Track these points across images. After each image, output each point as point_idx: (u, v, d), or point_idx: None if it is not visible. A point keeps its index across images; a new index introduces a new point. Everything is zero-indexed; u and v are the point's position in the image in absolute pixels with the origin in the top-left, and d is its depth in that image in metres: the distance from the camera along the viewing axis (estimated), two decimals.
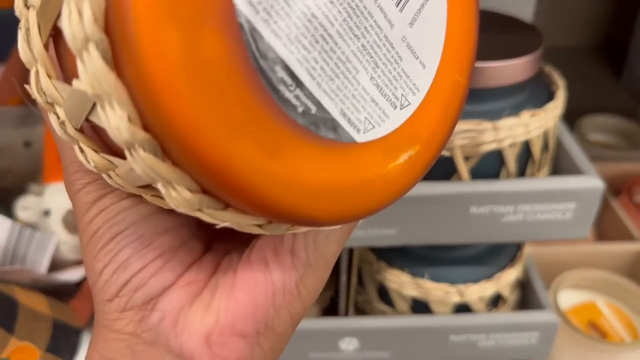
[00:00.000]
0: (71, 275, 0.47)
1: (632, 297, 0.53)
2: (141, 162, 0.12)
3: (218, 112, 0.12)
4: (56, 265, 0.50)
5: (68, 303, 0.45)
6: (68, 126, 0.14)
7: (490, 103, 0.33)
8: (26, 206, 0.49)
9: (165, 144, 0.12)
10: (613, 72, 1.11)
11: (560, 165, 0.37)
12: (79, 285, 0.47)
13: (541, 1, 1.10)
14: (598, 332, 0.50)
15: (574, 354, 0.48)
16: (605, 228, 0.62)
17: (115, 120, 0.12)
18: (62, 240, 0.47)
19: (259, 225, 0.15)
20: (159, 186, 0.13)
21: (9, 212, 0.50)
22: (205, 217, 0.14)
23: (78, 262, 0.50)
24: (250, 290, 0.16)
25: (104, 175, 0.15)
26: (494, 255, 0.40)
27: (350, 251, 0.37)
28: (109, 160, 0.14)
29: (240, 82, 0.12)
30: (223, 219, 0.14)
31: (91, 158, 0.14)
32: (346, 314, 0.41)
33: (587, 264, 0.55)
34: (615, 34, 1.16)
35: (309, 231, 0.16)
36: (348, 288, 0.39)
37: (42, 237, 0.47)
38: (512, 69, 0.32)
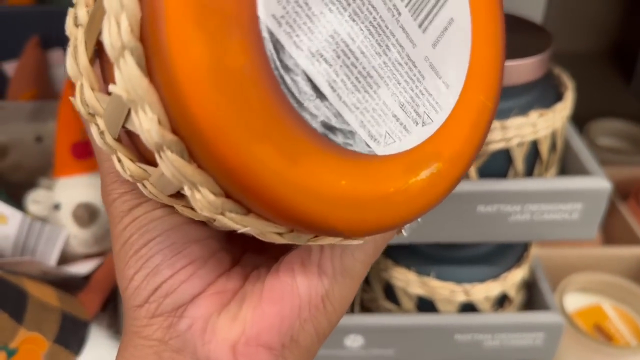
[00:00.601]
0: (80, 268, 0.47)
1: (638, 301, 0.53)
2: (169, 163, 0.13)
3: (241, 118, 0.12)
4: (65, 258, 0.50)
5: (76, 296, 0.45)
6: (107, 136, 0.15)
7: (500, 102, 0.33)
8: (37, 200, 0.50)
9: (192, 147, 0.13)
10: (623, 77, 1.11)
11: (568, 166, 0.37)
12: (88, 278, 0.48)
13: (552, 5, 1.10)
14: (604, 335, 0.50)
15: (579, 357, 0.47)
16: (613, 232, 0.62)
17: (147, 123, 0.12)
18: (71, 233, 0.48)
19: (280, 234, 0.15)
20: (185, 189, 0.14)
21: (19, 206, 0.51)
22: (227, 222, 0.14)
23: (87, 256, 0.50)
24: (276, 302, 0.16)
25: (139, 185, 0.16)
26: (500, 255, 0.40)
27: None
28: (143, 169, 0.15)
29: (263, 90, 0.13)
30: (244, 224, 0.14)
31: (127, 167, 0.15)
32: (352, 311, 0.41)
33: (594, 267, 0.55)
34: (626, 40, 1.16)
35: (336, 246, 0.17)
36: None
37: (52, 230, 0.47)
38: (521, 69, 0.33)
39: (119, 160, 0.15)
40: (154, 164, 0.14)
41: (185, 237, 0.17)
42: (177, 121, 0.12)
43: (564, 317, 0.49)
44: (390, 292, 0.41)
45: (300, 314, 0.16)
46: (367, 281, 0.43)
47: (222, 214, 0.14)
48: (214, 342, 0.16)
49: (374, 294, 0.42)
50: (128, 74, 0.12)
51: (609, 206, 0.64)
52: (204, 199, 0.13)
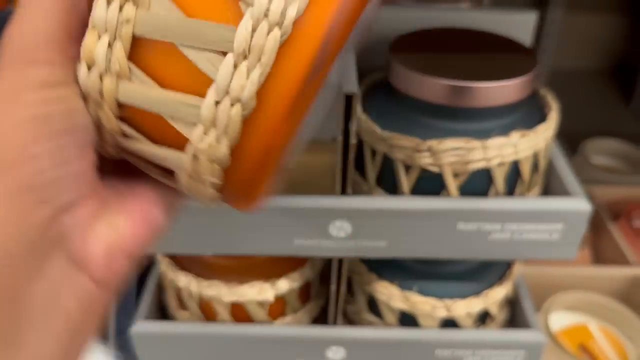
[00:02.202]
0: None
1: (625, 322, 0.53)
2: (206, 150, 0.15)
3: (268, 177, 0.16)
4: None
5: None
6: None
7: (481, 122, 0.34)
8: None
9: (232, 170, 0.16)
10: (623, 96, 1.11)
11: (551, 187, 0.38)
12: None
13: (553, 23, 1.10)
14: (589, 355, 0.50)
15: None
16: (602, 252, 0.62)
17: (220, 147, 0.15)
18: None
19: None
20: (186, 166, 0.16)
21: None
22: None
23: None
24: (145, 216, 0.18)
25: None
26: (482, 272, 0.41)
27: (340, 261, 0.38)
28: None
29: None
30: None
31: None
32: (335, 323, 0.42)
33: (582, 287, 0.55)
34: (627, 59, 1.16)
35: None
36: (337, 297, 0.40)
37: None
38: (503, 90, 0.33)
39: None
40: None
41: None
42: (238, 153, 0.16)
43: (548, 335, 0.50)
44: (373, 306, 0.42)
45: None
46: (351, 293, 0.43)
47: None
48: (91, 243, 0.17)
49: (357, 307, 0.43)
50: (228, 115, 0.15)
51: (599, 226, 0.64)
52: (205, 189, 0.17)
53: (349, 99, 0.30)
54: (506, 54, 0.36)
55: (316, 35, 0.14)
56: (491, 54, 0.36)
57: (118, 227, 0.18)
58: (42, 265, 0.16)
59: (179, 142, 0.16)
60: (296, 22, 0.14)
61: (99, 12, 0.15)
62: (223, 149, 0.15)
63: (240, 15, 0.14)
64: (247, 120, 0.15)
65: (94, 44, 0.15)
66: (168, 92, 0.15)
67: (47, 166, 0.16)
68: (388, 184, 0.36)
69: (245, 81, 0.14)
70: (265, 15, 0.14)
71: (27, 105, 0.16)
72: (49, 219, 0.16)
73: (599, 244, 0.63)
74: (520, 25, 0.43)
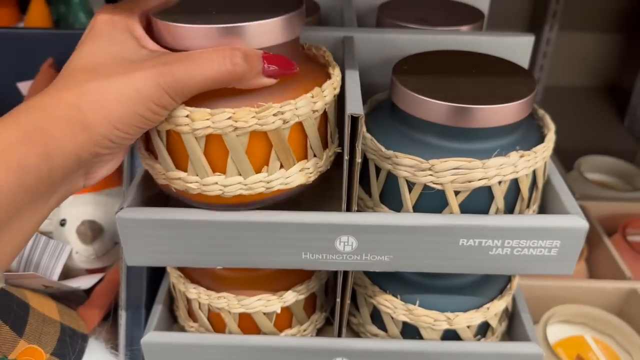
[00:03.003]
0: (81, 282, 0.49)
1: (621, 335, 0.54)
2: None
3: None
4: (68, 273, 0.52)
5: (76, 310, 0.47)
6: None
7: (482, 143, 0.36)
8: None
9: None
10: (617, 113, 1.14)
11: (549, 204, 0.39)
12: (88, 292, 0.50)
13: (548, 42, 1.13)
14: None
15: None
16: (598, 266, 0.64)
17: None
18: (75, 249, 0.50)
19: None
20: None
21: None
22: None
23: (89, 271, 0.52)
24: None
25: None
26: (483, 286, 0.42)
27: (345, 274, 0.39)
28: None
29: None
30: None
31: None
32: (339, 334, 0.43)
33: (578, 300, 0.57)
34: (620, 77, 1.19)
35: None
36: (342, 309, 0.41)
37: (56, 245, 0.49)
38: (504, 112, 0.35)
39: None
40: None
41: None
42: None
43: (547, 347, 0.51)
44: (377, 318, 0.43)
45: None
46: (355, 306, 0.45)
47: None
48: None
49: (361, 319, 0.44)
50: None
51: (594, 240, 0.66)
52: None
53: (354, 120, 0.32)
54: (506, 76, 0.38)
55: None
56: (491, 76, 0.38)
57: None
58: None
59: None
60: None
61: None
62: None
63: None
64: None
65: None
66: None
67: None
68: (392, 200, 0.38)
69: None
70: None
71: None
72: None
73: (594, 257, 0.65)
74: (518, 48, 0.45)
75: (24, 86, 0.65)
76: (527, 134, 0.38)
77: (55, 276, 0.50)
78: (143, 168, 0.39)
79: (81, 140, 0.28)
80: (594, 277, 0.64)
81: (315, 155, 0.36)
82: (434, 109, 0.35)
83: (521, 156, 0.35)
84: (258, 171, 0.33)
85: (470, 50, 0.42)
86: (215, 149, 0.32)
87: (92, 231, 0.48)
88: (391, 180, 0.37)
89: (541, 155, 0.36)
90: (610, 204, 0.69)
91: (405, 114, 0.37)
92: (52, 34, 0.64)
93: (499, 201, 0.36)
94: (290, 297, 0.41)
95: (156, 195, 0.39)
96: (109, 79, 0.29)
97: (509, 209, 0.37)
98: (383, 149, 0.36)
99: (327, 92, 0.34)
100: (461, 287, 0.42)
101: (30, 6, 0.79)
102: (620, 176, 0.81)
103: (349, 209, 0.36)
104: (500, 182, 0.35)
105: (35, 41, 0.64)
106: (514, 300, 0.45)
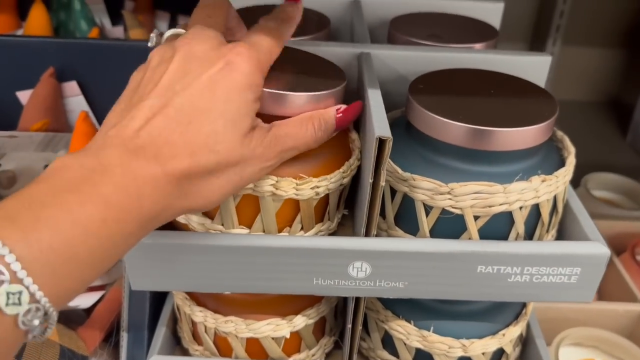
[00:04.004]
0: (82, 301, 0.48)
1: (632, 358, 0.53)
2: None
3: None
4: None
5: (76, 330, 0.45)
6: None
7: (503, 166, 0.35)
8: None
9: None
10: (619, 129, 1.13)
11: (568, 229, 0.38)
12: (89, 311, 0.48)
13: (550, 57, 1.12)
14: None
15: None
16: (607, 286, 0.63)
17: None
18: None
19: None
20: None
21: None
22: None
23: (89, 288, 0.50)
24: None
25: None
26: (499, 312, 0.41)
27: (357, 300, 0.38)
28: None
29: None
30: None
31: None
32: (350, 359, 0.41)
33: (589, 322, 0.56)
34: (622, 92, 1.19)
35: None
36: (352, 335, 0.40)
37: None
38: (526, 135, 0.34)
39: None
40: None
41: None
42: None
43: None
44: (388, 343, 0.42)
45: None
46: (365, 330, 0.43)
47: None
48: None
49: (372, 344, 0.43)
50: None
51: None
52: None
53: (381, 143, 0.31)
54: (525, 97, 0.37)
55: None
56: (511, 96, 0.37)
57: None
58: None
59: None
60: None
61: None
62: None
63: None
64: None
65: None
66: None
67: None
68: (407, 223, 0.37)
69: None
70: None
71: None
72: None
73: (603, 277, 0.64)
74: (534, 67, 0.44)
75: (23, 95, 0.64)
76: (547, 156, 0.37)
77: None
78: None
79: (167, 214, 0.27)
80: (603, 297, 0.63)
81: (329, 219, 0.37)
82: (453, 130, 0.34)
83: (543, 181, 0.34)
84: (280, 230, 0.35)
85: (486, 69, 0.41)
86: (248, 206, 0.34)
87: None
88: (407, 203, 0.36)
89: (562, 179, 0.35)
90: (618, 223, 0.68)
91: (422, 135, 0.36)
92: (52, 43, 0.63)
93: (519, 227, 0.35)
94: (300, 321, 0.39)
95: None
96: (221, 175, 0.28)
97: (529, 234, 0.36)
98: (400, 170, 0.35)
99: (354, 166, 0.36)
100: (476, 313, 0.40)
101: (30, 13, 0.78)
102: (626, 194, 0.80)
103: (367, 234, 0.35)
104: (521, 208, 0.34)
105: (35, 50, 0.62)
106: (528, 325, 0.44)
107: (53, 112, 0.62)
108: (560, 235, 0.39)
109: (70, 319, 0.47)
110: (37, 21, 0.79)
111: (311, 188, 0.34)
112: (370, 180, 0.32)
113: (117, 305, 0.47)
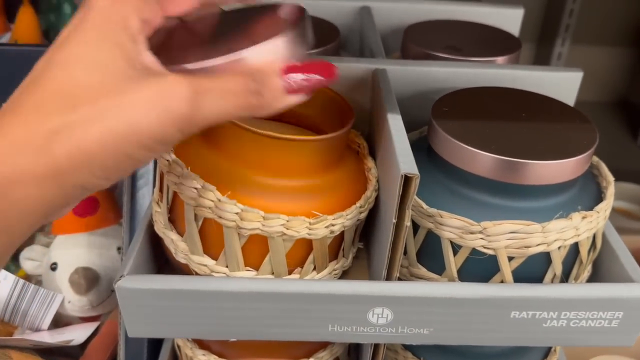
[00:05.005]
0: (75, 334, 0.44)
1: None
2: None
3: None
4: (59, 320, 0.47)
5: None
6: None
7: (539, 200, 0.31)
8: (31, 257, 0.47)
9: None
10: (630, 130, 1.10)
11: (605, 265, 0.35)
12: (83, 345, 0.45)
13: (559, 57, 1.09)
14: None
15: None
16: None
17: None
18: (67, 299, 0.45)
19: None
20: None
21: (15, 262, 0.48)
22: None
23: (83, 319, 0.47)
24: None
25: None
26: (527, 351, 0.38)
27: (376, 347, 0.35)
28: None
29: None
30: None
31: None
32: None
33: (614, 350, 0.53)
34: (633, 92, 1.15)
35: None
36: None
37: (46, 295, 0.44)
38: (564, 168, 0.30)
39: None
40: None
41: None
42: None
43: None
44: None
45: None
46: None
47: None
48: None
49: None
50: None
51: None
52: None
53: (407, 180, 0.27)
54: (562, 122, 0.34)
55: None
56: (545, 121, 0.33)
57: None
58: None
59: None
60: None
61: None
62: None
63: None
64: None
65: None
66: None
67: None
68: (432, 261, 0.33)
69: None
70: None
71: None
72: None
73: None
74: (565, 84, 0.40)
75: None
76: (585, 187, 0.33)
77: (45, 325, 0.45)
78: (143, 224, 0.34)
79: (49, 195, 0.21)
80: None
81: (344, 256, 0.34)
82: (483, 162, 0.31)
83: (584, 217, 0.31)
84: (291, 272, 0.32)
85: (513, 87, 0.38)
86: (255, 247, 0.30)
87: (87, 280, 0.43)
88: (432, 239, 0.33)
89: (603, 214, 0.32)
90: (638, 238, 0.65)
91: (448, 164, 0.32)
92: (41, 52, 0.59)
93: (557, 267, 0.32)
94: None
95: (159, 253, 0.34)
96: (92, 107, 0.21)
97: (565, 274, 0.33)
98: (424, 205, 0.32)
99: (371, 199, 0.33)
100: (503, 353, 0.37)
101: (18, 15, 0.74)
102: None
103: (389, 278, 0.31)
104: (559, 247, 0.31)
105: (22, 58, 0.59)
106: None
107: None
108: (597, 272, 0.36)
109: (63, 353, 0.44)
110: (26, 24, 0.75)
111: (326, 227, 0.30)
112: (394, 221, 0.29)
113: (113, 340, 0.44)
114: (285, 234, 0.30)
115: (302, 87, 0.24)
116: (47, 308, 0.45)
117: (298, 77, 0.24)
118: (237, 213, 0.29)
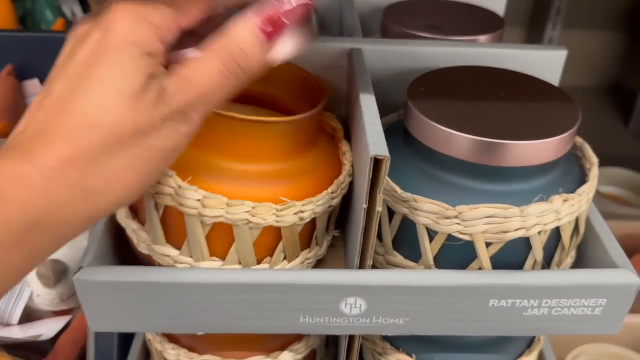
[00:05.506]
0: (45, 329, 0.43)
1: None
2: None
3: None
4: (30, 314, 0.46)
5: None
6: None
7: (518, 183, 0.30)
8: None
9: None
10: (621, 116, 1.09)
11: (589, 251, 0.34)
12: (53, 340, 0.43)
13: (550, 41, 1.07)
14: None
15: None
16: None
17: None
18: (36, 292, 0.43)
19: None
20: None
21: None
22: None
23: (54, 312, 0.46)
24: None
25: None
26: (509, 341, 0.36)
27: (351, 337, 0.33)
28: None
29: None
30: None
31: None
32: None
33: (605, 338, 0.52)
34: (625, 77, 1.14)
35: None
36: None
37: (13, 288, 0.43)
38: (544, 148, 0.29)
39: None
40: None
41: None
42: None
43: None
44: None
45: None
46: None
47: None
48: None
49: None
50: None
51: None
52: None
53: (377, 162, 0.26)
54: (542, 101, 0.32)
55: None
56: (525, 100, 0.32)
57: None
58: None
59: None
60: None
61: None
62: None
63: None
64: None
65: None
66: None
67: None
68: (407, 248, 0.32)
69: None
70: None
71: None
72: None
73: None
74: (548, 63, 0.39)
75: None
76: (566, 169, 0.32)
77: (15, 320, 0.44)
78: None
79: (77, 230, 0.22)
80: None
81: (317, 244, 0.33)
82: (460, 143, 0.29)
83: (565, 200, 0.29)
84: (260, 261, 0.30)
85: (495, 66, 0.36)
86: (220, 236, 0.29)
87: (55, 272, 0.42)
88: (407, 225, 0.31)
89: (586, 197, 0.31)
90: (629, 224, 0.64)
91: (424, 147, 0.31)
92: (10, 37, 0.57)
93: (537, 253, 0.30)
94: (287, 358, 0.35)
95: (123, 243, 0.33)
96: (119, 152, 0.21)
97: (547, 260, 0.32)
98: (399, 190, 0.30)
99: (345, 184, 0.31)
100: (485, 343, 0.36)
101: None
102: (633, 189, 0.76)
103: (362, 266, 0.30)
104: (540, 232, 0.29)
105: None
106: (541, 352, 0.40)
107: (13, 114, 0.56)
108: (580, 258, 0.34)
109: (32, 349, 0.43)
110: (0, 10, 0.72)
111: (294, 213, 0.29)
112: (365, 206, 0.27)
113: (83, 335, 0.42)
114: (250, 221, 0.28)
115: (278, 34, 0.24)
116: (16, 302, 0.43)
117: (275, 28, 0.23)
118: (198, 200, 0.27)
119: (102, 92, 0.21)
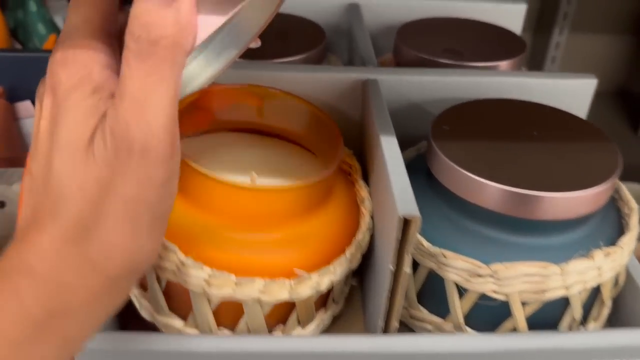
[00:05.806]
0: None
1: None
2: None
3: None
4: None
5: None
6: None
7: (555, 237, 0.27)
8: None
9: None
10: (630, 122, 1.06)
11: (628, 305, 0.31)
12: None
13: (557, 46, 1.05)
14: None
15: None
16: None
17: None
18: None
19: None
20: None
21: None
22: None
23: None
24: None
25: None
26: None
27: None
28: None
29: None
30: None
31: None
32: None
33: None
34: (633, 81, 1.11)
35: None
36: None
37: None
38: (584, 200, 0.26)
39: None
40: None
41: None
42: None
43: None
44: None
45: None
46: None
47: None
48: None
49: None
50: None
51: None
52: None
53: (406, 223, 0.23)
54: (579, 142, 0.29)
55: None
56: (560, 141, 0.29)
57: None
58: None
59: None
60: None
61: None
62: None
63: None
64: None
65: None
66: None
67: None
68: (434, 304, 0.29)
69: None
70: None
71: None
72: None
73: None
74: (577, 92, 0.36)
75: None
76: (605, 218, 0.29)
77: None
78: None
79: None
80: None
81: (334, 302, 0.30)
82: (492, 194, 0.27)
83: (606, 255, 0.27)
84: (271, 330, 0.27)
85: (521, 99, 0.34)
86: (229, 307, 0.26)
87: None
88: (434, 279, 0.29)
89: (628, 249, 0.28)
90: None
91: (451, 194, 0.28)
92: (3, 57, 0.54)
93: (576, 312, 0.28)
94: None
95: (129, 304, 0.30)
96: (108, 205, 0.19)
97: (584, 317, 0.29)
98: (425, 243, 0.28)
99: (364, 242, 0.28)
100: None
101: None
102: None
103: (387, 330, 0.27)
104: (580, 291, 0.27)
105: None
106: None
107: (5, 138, 0.54)
108: (618, 310, 0.32)
109: None
110: None
111: (311, 287, 0.26)
112: (392, 269, 0.25)
113: None
114: (262, 300, 0.26)
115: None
116: None
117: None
118: (205, 280, 0.25)
119: (61, 158, 0.19)
